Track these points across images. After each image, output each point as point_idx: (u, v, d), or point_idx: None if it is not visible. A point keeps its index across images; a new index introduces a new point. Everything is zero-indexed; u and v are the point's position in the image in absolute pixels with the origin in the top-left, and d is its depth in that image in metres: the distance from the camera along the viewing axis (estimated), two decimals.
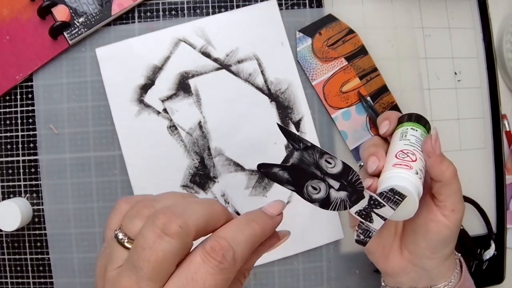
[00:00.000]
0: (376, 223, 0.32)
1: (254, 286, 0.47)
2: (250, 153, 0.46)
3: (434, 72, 0.49)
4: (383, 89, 0.48)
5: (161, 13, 0.47)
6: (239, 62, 0.47)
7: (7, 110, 0.46)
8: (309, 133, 0.47)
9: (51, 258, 0.45)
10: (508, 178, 0.50)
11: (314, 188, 0.31)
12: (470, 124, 0.50)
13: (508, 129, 0.51)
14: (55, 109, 0.46)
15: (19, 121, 0.46)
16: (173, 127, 0.46)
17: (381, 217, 0.32)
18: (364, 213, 0.31)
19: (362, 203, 0.31)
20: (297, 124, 0.47)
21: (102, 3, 0.45)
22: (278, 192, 0.46)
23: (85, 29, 0.45)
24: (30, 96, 0.46)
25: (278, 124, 0.31)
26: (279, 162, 0.31)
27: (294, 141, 0.31)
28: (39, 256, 0.45)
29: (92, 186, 0.46)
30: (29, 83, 0.46)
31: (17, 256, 0.46)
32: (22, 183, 0.46)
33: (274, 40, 0.47)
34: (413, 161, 0.33)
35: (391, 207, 0.31)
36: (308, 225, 0.47)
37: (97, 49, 0.45)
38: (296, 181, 0.31)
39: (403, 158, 0.34)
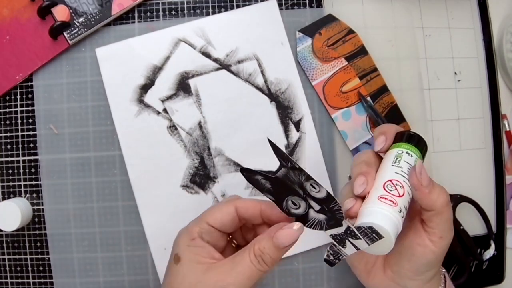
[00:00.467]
0: (348, 250, 0.32)
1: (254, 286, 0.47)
2: (250, 153, 0.46)
3: (434, 72, 0.49)
4: (383, 89, 0.48)
5: (161, 13, 0.47)
6: (239, 62, 0.47)
7: (7, 110, 0.46)
8: (309, 133, 0.47)
9: (51, 258, 0.45)
10: (508, 178, 0.50)
11: (294, 204, 0.31)
12: (470, 124, 0.50)
13: (508, 129, 0.51)
14: (55, 109, 0.46)
15: (19, 121, 0.46)
16: (173, 127, 0.46)
17: (355, 246, 0.32)
18: (339, 238, 0.32)
19: (339, 229, 0.31)
20: (297, 124, 0.47)
21: (102, 3, 0.45)
22: None
23: (85, 29, 0.45)
24: (30, 96, 0.46)
25: (268, 140, 0.32)
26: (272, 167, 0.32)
27: (283, 159, 0.31)
28: (39, 256, 0.45)
29: (92, 186, 0.46)
30: (29, 83, 0.46)
31: (17, 256, 0.46)
32: (22, 183, 0.46)
33: (274, 40, 0.47)
34: (399, 195, 0.32)
35: (366, 242, 0.31)
36: None
37: (97, 49, 0.45)
38: (277, 193, 0.31)
39: (390, 191, 0.33)
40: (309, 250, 0.47)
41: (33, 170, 0.46)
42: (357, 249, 0.31)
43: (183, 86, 0.46)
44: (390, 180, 0.33)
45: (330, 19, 0.48)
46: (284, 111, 0.47)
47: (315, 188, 0.31)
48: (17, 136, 0.46)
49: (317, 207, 0.31)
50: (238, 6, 0.47)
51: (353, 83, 0.48)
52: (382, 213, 0.31)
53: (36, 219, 0.45)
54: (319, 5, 0.48)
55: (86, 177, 0.46)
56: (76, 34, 0.45)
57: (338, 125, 0.48)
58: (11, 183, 0.46)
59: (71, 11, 0.44)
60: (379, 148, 0.36)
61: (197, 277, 0.31)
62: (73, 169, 0.46)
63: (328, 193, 0.31)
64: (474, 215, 0.49)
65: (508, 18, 0.50)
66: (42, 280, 0.45)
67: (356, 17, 0.48)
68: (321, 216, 0.31)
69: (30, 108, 0.46)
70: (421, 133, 0.49)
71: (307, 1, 0.48)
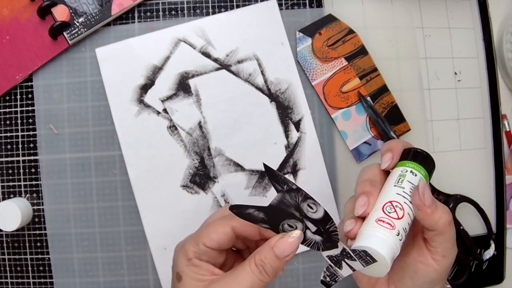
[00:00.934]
0: (345, 271, 0.32)
1: None
2: (250, 153, 0.46)
3: (434, 72, 0.49)
4: (383, 89, 0.48)
5: (161, 13, 0.47)
6: (239, 62, 0.47)
7: (7, 110, 0.46)
8: (309, 133, 0.47)
9: (51, 258, 0.45)
10: (508, 178, 0.50)
11: (290, 226, 0.31)
12: (470, 124, 0.50)
13: (508, 129, 0.51)
14: (55, 109, 0.46)
15: (19, 121, 0.46)
16: (173, 127, 0.46)
17: (351, 267, 0.32)
18: (335, 259, 0.32)
19: (335, 251, 0.31)
20: (297, 124, 0.47)
21: (102, 3, 0.45)
22: None
23: (85, 29, 0.45)
24: (30, 96, 0.46)
25: (264, 165, 0.31)
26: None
27: (278, 182, 0.31)
28: (39, 256, 0.45)
29: (92, 186, 0.46)
30: (29, 83, 0.46)
31: (17, 256, 0.46)
32: (22, 183, 0.46)
33: (274, 40, 0.47)
34: (398, 218, 0.32)
35: (362, 264, 0.31)
36: None
37: (97, 49, 0.45)
38: (272, 220, 0.31)
39: (389, 213, 0.32)
40: (309, 250, 0.47)
41: (33, 170, 0.46)
42: (353, 270, 0.31)
43: (183, 86, 0.46)
44: (390, 202, 0.33)
45: (330, 19, 0.48)
46: (284, 111, 0.47)
47: (312, 208, 0.31)
48: (17, 136, 0.46)
49: (313, 228, 0.31)
50: (238, 6, 0.47)
51: (353, 83, 0.48)
52: (378, 236, 0.31)
53: (36, 219, 0.45)
54: (319, 5, 0.48)
55: (86, 177, 0.46)
56: (76, 34, 0.45)
57: (338, 125, 0.48)
58: (11, 183, 0.46)
59: (71, 11, 0.44)
60: (385, 166, 0.36)
61: None
62: (73, 169, 0.46)
63: (325, 213, 0.31)
64: (474, 215, 0.49)
65: (508, 18, 0.50)
66: (42, 280, 0.45)
67: (356, 17, 0.48)
68: (317, 238, 0.31)
69: (30, 108, 0.46)
70: (421, 133, 0.49)
71: (307, 1, 0.48)
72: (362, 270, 0.31)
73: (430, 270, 0.34)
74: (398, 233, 0.31)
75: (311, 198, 0.30)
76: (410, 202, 0.33)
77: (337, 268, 0.32)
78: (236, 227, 0.33)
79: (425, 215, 0.32)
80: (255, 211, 0.31)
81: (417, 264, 0.35)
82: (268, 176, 0.31)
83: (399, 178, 0.34)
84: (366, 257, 0.31)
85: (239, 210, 0.31)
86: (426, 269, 0.34)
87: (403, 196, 0.33)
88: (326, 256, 0.32)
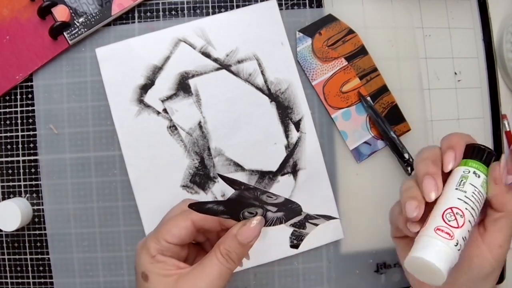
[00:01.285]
0: (309, 229, 0.33)
1: (254, 286, 0.47)
2: (250, 153, 0.46)
3: (434, 72, 0.49)
4: (383, 89, 0.48)
5: (161, 13, 0.47)
6: (239, 62, 0.47)
7: (7, 110, 0.46)
8: (309, 133, 0.47)
9: (51, 258, 0.45)
10: (508, 178, 0.50)
11: (250, 213, 0.32)
12: (470, 124, 0.50)
13: (508, 129, 0.51)
14: (55, 109, 0.46)
15: (19, 121, 0.46)
16: (173, 127, 0.46)
17: (314, 224, 0.33)
18: (299, 223, 0.33)
19: (297, 218, 0.32)
20: (297, 124, 0.47)
21: (102, 3, 0.45)
22: (279, 193, 0.46)
23: (85, 29, 0.45)
24: (30, 96, 0.46)
25: (218, 174, 0.34)
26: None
27: (235, 184, 0.31)
28: (39, 256, 0.45)
29: (92, 186, 0.46)
30: (29, 83, 0.46)
31: (17, 256, 0.46)
32: (22, 183, 0.46)
33: (274, 40, 0.47)
34: (458, 227, 0.31)
35: (325, 220, 0.33)
36: None
37: (97, 49, 0.45)
38: (232, 211, 0.32)
39: (449, 221, 0.31)
40: (309, 250, 0.47)
41: (33, 170, 0.46)
42: (317, 225, 0.33)
43: (183, 86, 0.46)
44: (451, 208, 0.32)
45: (330, 19, 0.48)
46: (284, 111, 0.47)
47: (271, 197, 0.31)
48: (17, 136, 0.46)
49: (274, 209, 0.32)
50: (238, 6, 0.47)
51: (353, 83, 0.48)
52: (435, 248, 0.30)
53: (36, 219, 0.45)
54: (319, 5, 0.48)
55: (86, 177, 0.46)
56: (76, 34, 0.45)
57: (338, 125, 0.48)
58: (11, 183, 0.46)
59: (71, 11, 0.44)
60: (449, 168, 0.34)
61: None
62: (73, 169, 0.46)
63: (285, 198, 0.31)
64: None
65: (508, 18, 0.50)
66: (42, 280, 0.45)
67: (356, 17, 0.48)
68: (279, 214, 0.32)
69: (30, 108, 0.46)
70: (421, 133, 0.49)
71: (307, 1, 0.48)
72: (419, 278, 0.31)
73: (485, 263, 0.34)
74: (457, 243, 0.31)
75: (269, 192, 0.31)
76: (472, 209, 0.32)
77: (301, 230, 0.34)
78: (196, 220, 0.34)
79: (500, 191, 0.32)
80: (215, 205, 0.32)
81: (472, 258, 0.34)
82: (225, 182, 0.32)
83: (461, 180, 0.33)
84: (330, 217, 0.32)
85: (198, 207, 0.32)
86: (481, 263, 0.34)
87: (465, 202, 0.32)
88: (290, 225, 0.33)
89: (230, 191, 0.45)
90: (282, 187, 0.46)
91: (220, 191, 0.46)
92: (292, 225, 0.33)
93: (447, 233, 0.31)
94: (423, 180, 0.32)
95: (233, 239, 0.32)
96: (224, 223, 0.34)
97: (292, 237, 0.34)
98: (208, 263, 0.32)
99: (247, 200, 0.32)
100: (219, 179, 0.46)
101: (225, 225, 0.34)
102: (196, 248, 0.37)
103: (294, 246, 0.35)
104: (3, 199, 0.45)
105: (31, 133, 0.46)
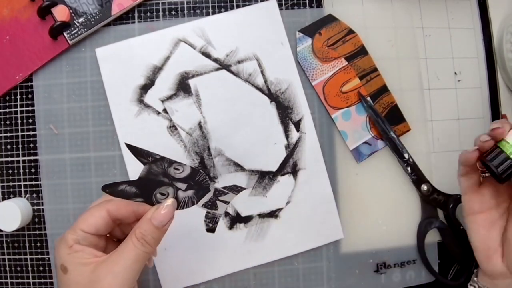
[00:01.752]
0: (221, 209, 0.36)
1: (254, 286, 0.47)
2: (250, 153, 0.46)
3: (434, 72, 0.49)
4: (383, 89, 0.48)
5: (161, 13, 0.47)
6: (239, 62, 0.47)
7: (7, 110, 0.46)
8: (309, 133, 0.47)
9: (51, 258, 0.45)
10: None
11: (162, 194, 0.34)
12: (470, 124, 0.50)
13: None
14: (55, 109, 0.46)
15: (19, 121, 0.46)
16: (173, 127, 0.46)
17: (225, 202, 0.35)
18: (210, 203, 0.35)
19: (208, 196, 0.35)
20: (297, 124, 0.47)
21: (102, 3, 0.45)
22: (279, 193, 0.46)
23: (85, 29, 0.45)
24: (30, 96, 0.46)
25: (126, 144, 0.34)
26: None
27: (142, 156, 0.33)
28: (39, 256, 0.45)
29: (92, 186, 0.46)
30: (29, 83, 0.46)
31: (17, 256, 0.46)
32: (22, 183, 0.46)
33: (274, 40, 0.47)
34: None
35: (233, 194, 0.37)
36: (308, 225, 0.47)
37: (97, 49, 0.45)
38: (144, 192, 0.34)
39: None
40: (309, 250, 0.47)
41: (33, 170, 0.46)
42: (227, 203, 0.36)
43: (183, 86, 0.46)
44: None
45: (330, 19, 0.48)
46: (284, 111, 0.47)
47: (178, 169, 0.34)
48: (17, 136, 0.46)
49: (184, 186, 0.34)
50: (238, 6, 0.47)
51: (353, 83, 0.48)
52: None
53: (36, 219, 0.46)
54: (319, 5, 0.48)
55: (86, 177, 0.46)
56: (76, 34, 0.45)
57: (338, 125, 0.48)
58: (11, 183, 0.46)
59: (71, 11, 0.44)
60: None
61: (89, 277, 0.32)
62: (73, 169, 0.46)
63: (192, 168, 0.34)
64: None
65: (508, 18, 0.50)
66: (42, 280, 0.45)
67: (356, 17, 0.48)
68: (190, 193, 0.34)
69: (30, 108, 0.46)
70: (421, 133, 0.49)
71: (307, 1, 0.48)
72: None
73: None
74: None
75: (176, 162, 0.33)
76: None
77: (214, 211, 0.36)
78: (111, 209, 0.35)
79: None
80: (127, 186, 0.33)
81: None
82: (132, 152, 0.34)
83: None
84: (236, 187, 0.35)
85: (111, 189, 0.33)
86: None
87: None
88: (202, 206, 0.35)
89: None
90: (282, 187, 0.46)
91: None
92: (204, 205, 0.35)
93: None
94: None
95: (148, 223, 0.33)
96: (138, 211, 0.35)
97: (207, 220, 0.36)
98: (124, 249, 0.33)
99: (157, 177, 0.33)
100: (219, 179, 0.46)
101: (139, 215, 0.35)
102: (116, 245, 0.38)
103: (210, 230, 0.37)
104: (3, 199, 0.45)
105: (31, 133, 0.46)
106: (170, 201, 0.34)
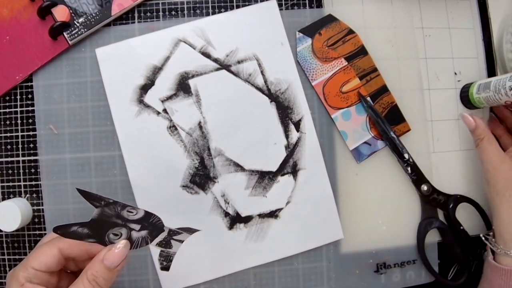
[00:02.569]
0: (175, 248, 0.35)
1: (254, 286, 0.47)
2: (250, 153, 0.46)
3: (434, 72, 0.49)
4: (383, 89, 0.48)
5: (161, 13, 0.47)
6: (239, 62, 0.47)
7: (7, 110, 0.46)
8: (309, 133, 0.47)
9: None
10: None
11: (115, 235, 0.33)
12: None
13: None
14: (55, 109, 0.46)
15: (19, 121, 0.46)
16: (173, 127, 0.46)
17: (180, 241, 0.35)
18: (164, 242, 0.35)
19: (162, 235, 0.34)
20: (297, 124, 0.47)
21: (102, 3, 0.45)
22: (279, 193, 0.46)
23: (85, 29, 0.45)
24: (30, 96, 0.46)
25: (77, 189, 0.33)
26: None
27: (94, 200, 0.33)
28: None
29: (92, 186, 0.46)
30: (29, 83, 0.46)
31: (17, 256, 0.46)
32: (22, 183, 0.46)
33: (274, 40, 0.47)
34: None
35: (188, 234, 0.36)
36: (308, 225, 0.47)
37: (97, 49, 0.45)
38: (97, 233, 0.33)
39: None
40: (309, 250, 0.47)
41: (33, 170, 0.46)
42: (182, 242, 0.35)
43: (183, 86, 0.46)
44: None
45: (330, 19, 0.48)
46: (284, 111, 0.47)
47: (132, 212, 0.33)
48: (17, 136, 0.46)
49: (137, 227, 0.33)
50: (238, 6, 0.47)
51: (353, 83, 0.48)
52: None
53: (36, 219, 0.46)
54: (319, 5, 0.48)
55: (86, 177, 0.46)
56: (76, 34, 0.45)
57: (338, 125, 0.48)
58: (11, 183, 0.46)
59: (71, 11, 0.44)
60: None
61: None
62: (73, 169, 0.46)
63: (145, 211, 0.33)
64: (474, 215, 0.49)
65: (508, 18, 0.50)
66: None
67: (356, 17, 0.48)
68: (143, 233, 0.34)
69: (30, 108, 0.46)
70: (421, 133, 0.49)
71: (307, 1, 0.48)
72: None
73: None
74: None
75: (129, 205, 0.33)
76: None
77: (168, 250, 0.35)
78: (63, 248, 0.34)
79: None
80: (79, 227, 0.33)
81: None
82: (83, 197, 0.33)
83: None
84: (190, 229, 0.35)
85: (63, 230, 0.32)
86: None
87: None
88: (156, 245, 0.35)
89: (230, 191, 0.46)
90: (282, 187, 0.46)
91: (220, 191, 0.46)
92: (158, 244, 0.34)
93: None
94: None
95: (100, 264, 0.33)
96: (90, 250, 0.35)
97: (161, 259, 0.36)
98: None
99: (109, 219, 0.33)
100: (219, 179, 0.46)
101: (92, 253, 0.35)
102: (69, 277, 0.37)
103: (165, 268, 0.36)
104: (3, 199, 0.45)
105: (31, 133, 0.46)
106: (123, 243, 0.33)
